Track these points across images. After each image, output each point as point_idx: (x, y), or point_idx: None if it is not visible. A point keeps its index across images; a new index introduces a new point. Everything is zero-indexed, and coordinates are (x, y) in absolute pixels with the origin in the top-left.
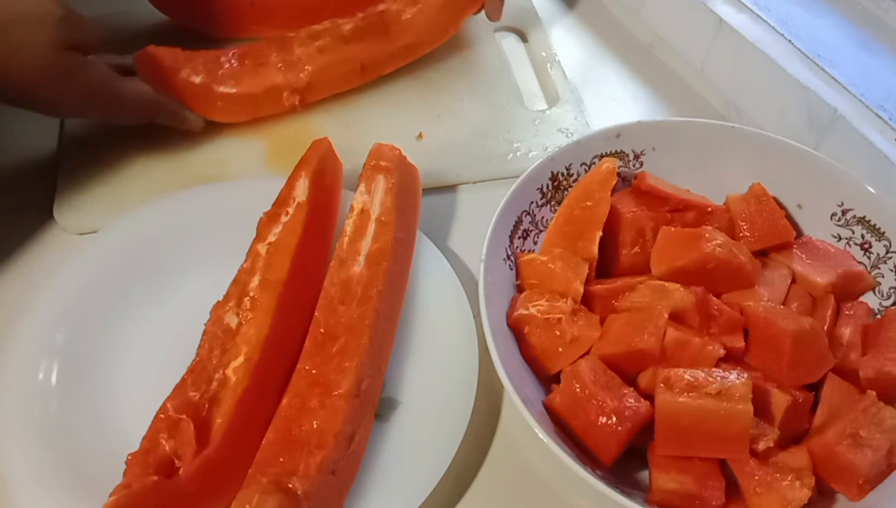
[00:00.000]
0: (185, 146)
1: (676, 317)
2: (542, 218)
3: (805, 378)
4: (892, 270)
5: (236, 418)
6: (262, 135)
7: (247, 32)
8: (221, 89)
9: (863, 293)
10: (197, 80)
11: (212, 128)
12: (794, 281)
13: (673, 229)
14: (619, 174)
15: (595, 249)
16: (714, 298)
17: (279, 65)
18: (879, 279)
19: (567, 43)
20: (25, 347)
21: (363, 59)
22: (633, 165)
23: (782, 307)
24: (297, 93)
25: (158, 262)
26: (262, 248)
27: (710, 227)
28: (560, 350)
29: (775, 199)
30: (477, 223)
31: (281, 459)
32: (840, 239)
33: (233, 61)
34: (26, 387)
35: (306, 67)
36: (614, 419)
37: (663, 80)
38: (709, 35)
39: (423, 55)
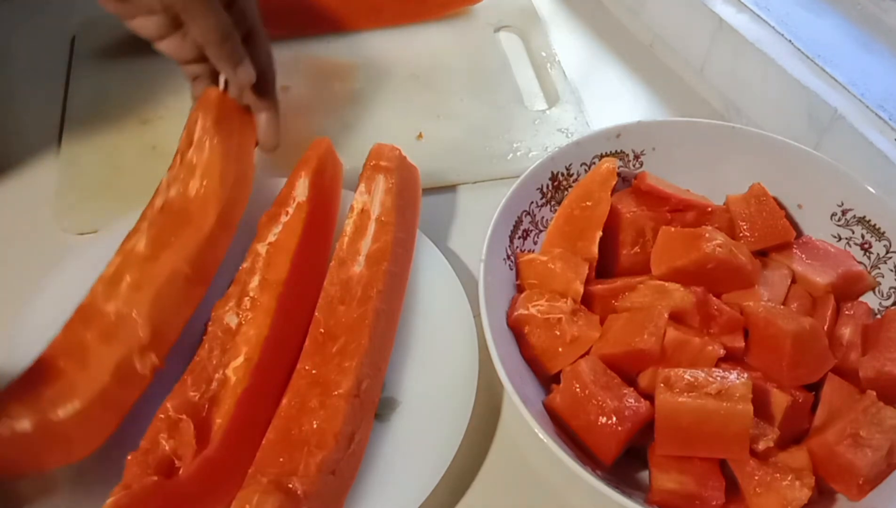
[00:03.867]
0: None
1: (676, 317)
2: (542, 218)
3: (805, 378)
4: (892, 270)
5: (236, 418)
6: None
7: None
8: (61, 414)
9: (863, 293)
10: (24, 427)
11: None
12: (794, 281)
13: (673, 229)
14: (619, 174)
15: (595, 249)
16: (714, 298)
17: (103, 338)
18: (879, 279)
19: (567, 43)
20: (25, 347)
21: (187, 262)
22: (633, 165)
23: (782, 307)
24: (150, 351)
25: None
26: (262, 248)
27: (710, 227)
28: (560, 350)
29: (775, 199)
30: (477, 223)
31: (281, 459)
32: (840, 239)
33: (49, 378)
34: None
35: (134, 318)
36: (614, 419)
37: (663, 80)
38: (709, 35)
39: (243, 212)
